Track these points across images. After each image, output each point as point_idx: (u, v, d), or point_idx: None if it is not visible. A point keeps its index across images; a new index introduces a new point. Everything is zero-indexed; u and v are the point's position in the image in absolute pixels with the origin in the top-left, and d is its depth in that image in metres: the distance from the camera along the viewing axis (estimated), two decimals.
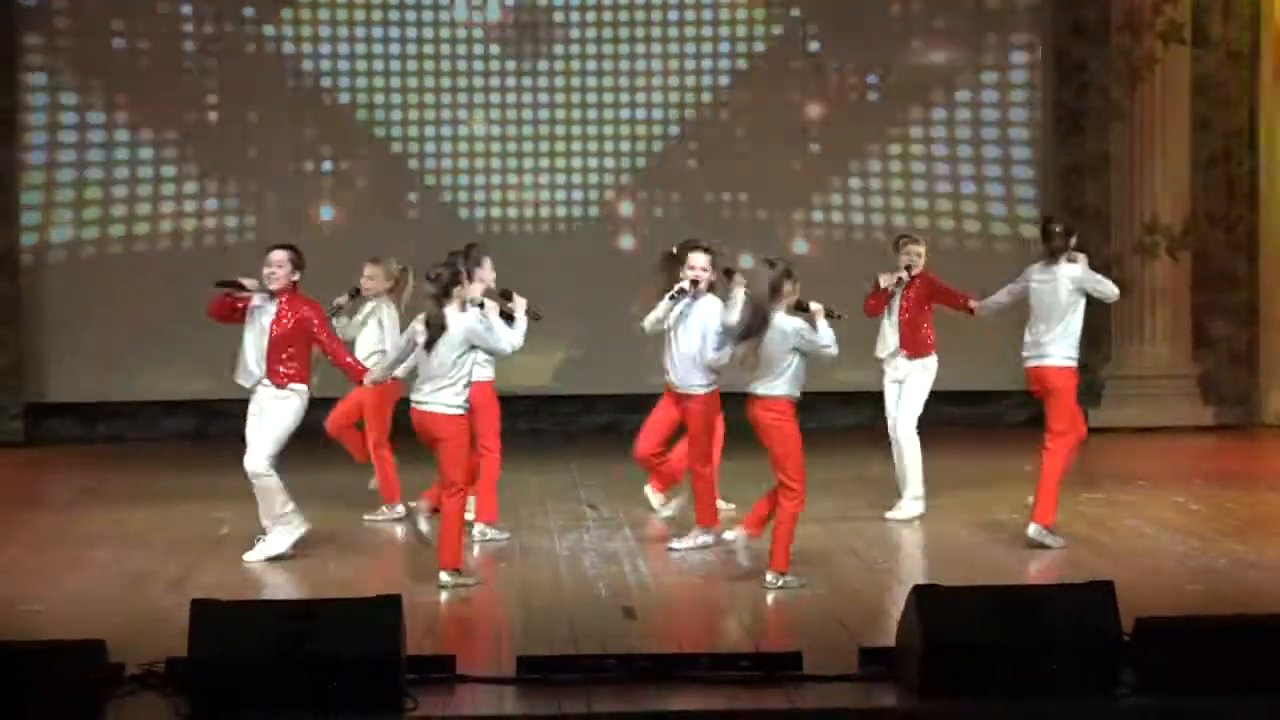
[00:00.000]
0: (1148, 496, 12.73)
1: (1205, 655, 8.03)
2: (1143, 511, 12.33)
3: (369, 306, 12.67)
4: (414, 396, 10.58)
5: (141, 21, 17.04)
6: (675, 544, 11.48)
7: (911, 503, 12.36)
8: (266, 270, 11.20)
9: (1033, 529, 11.34)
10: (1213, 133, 17.28)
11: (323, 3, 17.15)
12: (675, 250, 11.68)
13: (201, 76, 17.11)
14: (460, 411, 10.47)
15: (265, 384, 11.14)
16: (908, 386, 12.38)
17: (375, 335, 12.58)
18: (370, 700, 7.82)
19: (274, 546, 11.20)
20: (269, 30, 17.13)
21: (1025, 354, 11.59)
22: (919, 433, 12.34)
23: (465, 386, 10.48)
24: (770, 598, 10.08)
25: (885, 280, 12.42)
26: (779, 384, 10.34)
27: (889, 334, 12.45)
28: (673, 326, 11.46)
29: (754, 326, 10.35)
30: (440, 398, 10.44)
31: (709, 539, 11.41)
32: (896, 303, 12.43)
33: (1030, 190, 17.42)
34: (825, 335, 10.34)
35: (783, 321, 10.32)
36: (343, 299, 12.59)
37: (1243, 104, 17.28)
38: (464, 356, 10.48)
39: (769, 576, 10.28)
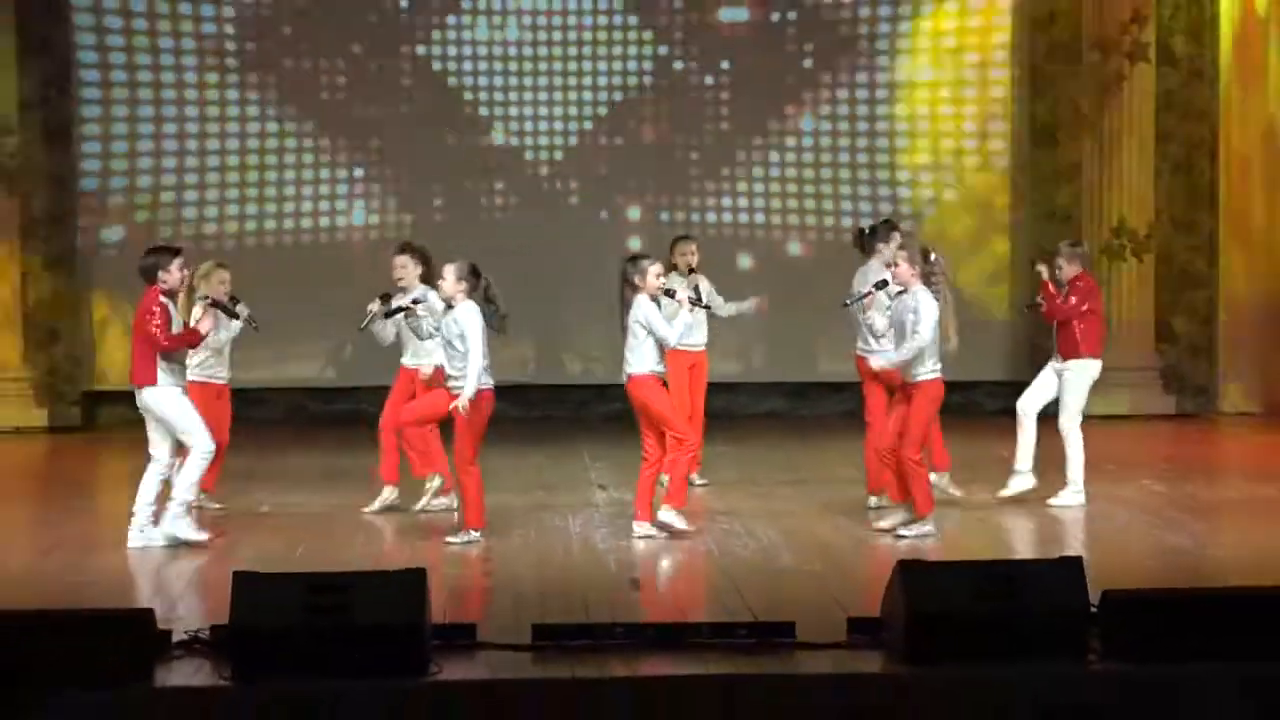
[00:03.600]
0: (1115, 480, 12.71)
1: (1166, 626, 8.03)
2: (1110, 494, 12.31)
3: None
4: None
5: (187, 22, 16.95)
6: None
7: (1073, 493, 11.98)
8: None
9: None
10: (1176, 144, 17.31)
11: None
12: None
13: (245, 72, 17.04)
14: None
15: None
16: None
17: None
18: (397, 665, 7.83)
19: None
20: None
21: None
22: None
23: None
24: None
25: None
26: (635, 361, 10.91)
27: None
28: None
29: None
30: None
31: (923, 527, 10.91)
32: None
33: (1006, 196, 17.42)
34: (661, 324, 10.84)
35: (637, 304, 10.94)
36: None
37: (1204, 118, 17.31)
38: None
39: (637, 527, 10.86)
